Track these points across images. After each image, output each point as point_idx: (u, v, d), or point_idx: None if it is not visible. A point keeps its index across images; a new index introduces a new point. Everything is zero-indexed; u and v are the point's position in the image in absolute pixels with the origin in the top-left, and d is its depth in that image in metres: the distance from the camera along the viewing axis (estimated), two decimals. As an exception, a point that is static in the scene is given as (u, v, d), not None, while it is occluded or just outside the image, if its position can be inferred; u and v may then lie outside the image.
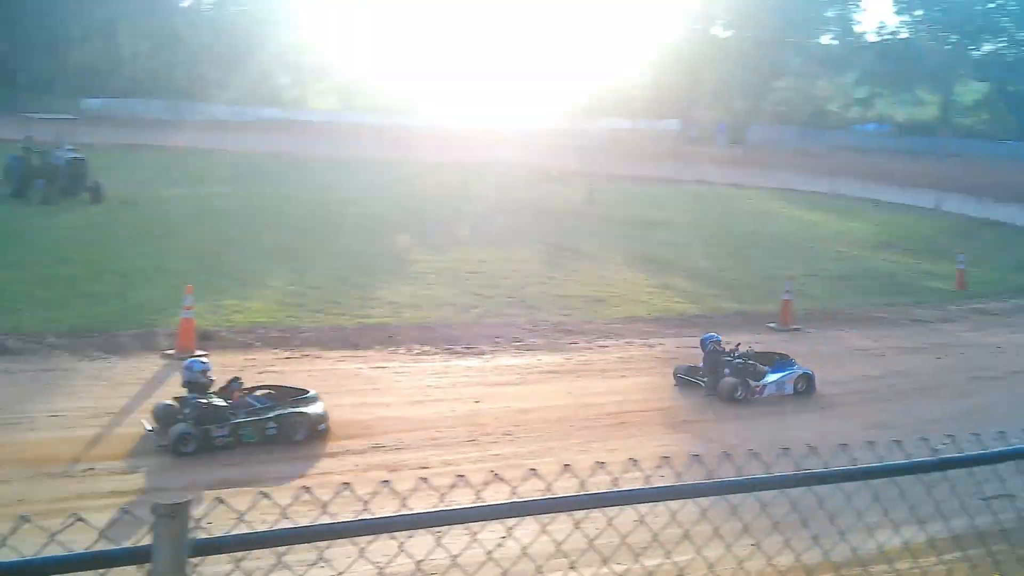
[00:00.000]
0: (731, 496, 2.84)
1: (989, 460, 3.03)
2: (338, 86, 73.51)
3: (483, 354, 13.20)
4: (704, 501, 2.85)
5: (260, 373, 11.22)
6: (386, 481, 2.76)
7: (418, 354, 12.92)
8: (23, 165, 25.91)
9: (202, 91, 66.93)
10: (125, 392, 10.31)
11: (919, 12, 64.31)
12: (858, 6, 65.59)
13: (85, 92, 58.18)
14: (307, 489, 2.70)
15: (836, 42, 65.31)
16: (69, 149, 26.54)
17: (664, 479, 2.81)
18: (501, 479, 2.87)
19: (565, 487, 2.76)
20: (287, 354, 12.38)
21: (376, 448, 9.29)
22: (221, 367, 11.37)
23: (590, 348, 13.96)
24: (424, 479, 2.85)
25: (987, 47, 65.07)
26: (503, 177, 38.68)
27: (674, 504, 2.85)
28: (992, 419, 9.80)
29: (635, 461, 2.92)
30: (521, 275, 19.13)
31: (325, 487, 7.79)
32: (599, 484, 2.78)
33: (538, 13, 72.58)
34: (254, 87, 64.75)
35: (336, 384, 11.14)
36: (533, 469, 2.96)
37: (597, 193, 34.30)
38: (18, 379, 10.53)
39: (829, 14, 64.06)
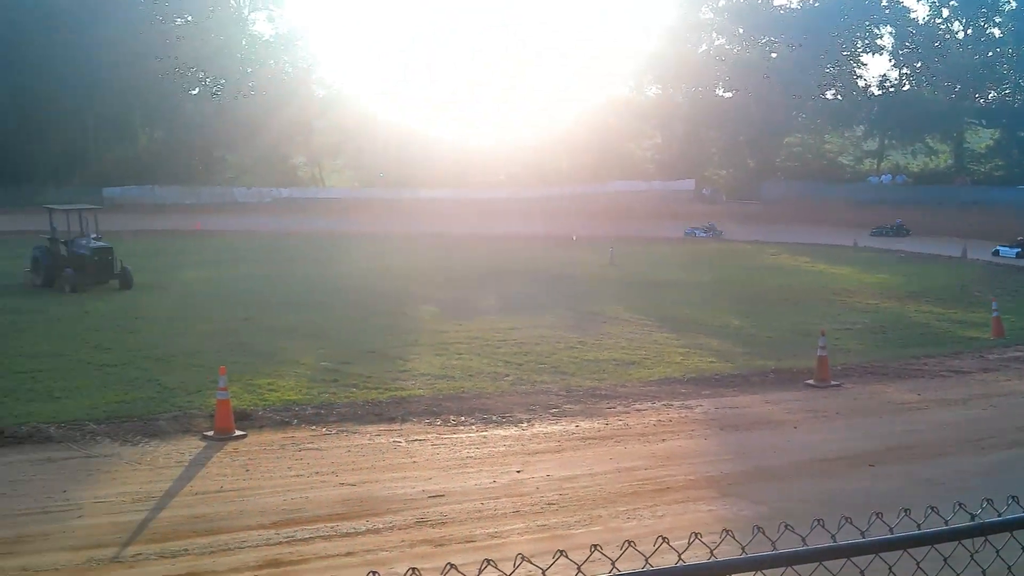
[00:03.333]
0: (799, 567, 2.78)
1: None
2: (354, 163, 74.55)
3: (520, 422, 13.07)
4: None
5: (300, 451, 11.20)
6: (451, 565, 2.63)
7: (455, 425, 12.81)
8: (50, 256, 26.39)
9: (219, 174, 68.05)
10: (168, 475, 10.26)
11: (918, 64, 65.05)
12: (859, 61, 65.98)
13: (104, 181, 59.21)
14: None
15: (840, 97, 65.93)
16: (94, 238, 27.00)
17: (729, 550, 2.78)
18: (567, 556, 2.81)
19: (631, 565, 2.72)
20: (324, 430, 12.34)
21: (421, 523, 9.15)
22: (260, 446, 11.44)
23: (627, 412, 13.79)
24: (489, 561, 2.75)
25: (992, 94, 65.62)
26: (523, 244, 38.94)
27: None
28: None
29: (697, 535, 2.92)
30: (550, 341, 19.10)
31: (383, 565, 7.71)
32: (664, 560, 2.74)
33: (546, 80, 73.76)
34: (269, 167, 65.74)
35: (376, 459, 11.06)
36: (596, 545, 2.91)
37: (617, 256, 34.47)
38: (62, 466, 10.48)
39: (829, 70, 64.77)
